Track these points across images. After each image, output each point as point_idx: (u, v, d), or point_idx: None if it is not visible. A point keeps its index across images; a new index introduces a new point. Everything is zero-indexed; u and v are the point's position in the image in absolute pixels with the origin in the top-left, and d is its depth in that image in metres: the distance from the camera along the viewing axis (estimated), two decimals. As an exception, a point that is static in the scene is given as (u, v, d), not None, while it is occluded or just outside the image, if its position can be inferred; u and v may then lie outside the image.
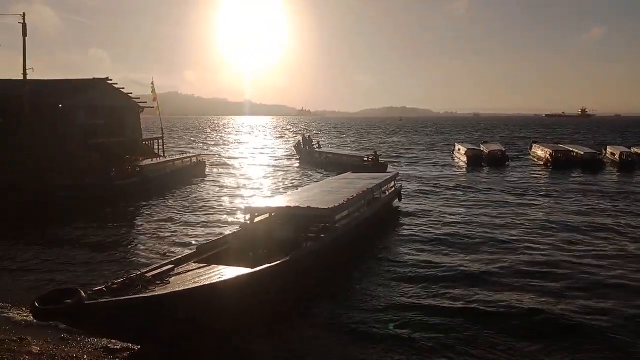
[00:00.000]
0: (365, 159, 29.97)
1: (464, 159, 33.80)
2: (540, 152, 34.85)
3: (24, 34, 21.87)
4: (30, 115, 21.77)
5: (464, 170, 30.54)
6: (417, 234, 13.90)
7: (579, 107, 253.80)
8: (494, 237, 13.43)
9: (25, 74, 22.06)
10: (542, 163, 32.51)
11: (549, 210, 17.33)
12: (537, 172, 28.83)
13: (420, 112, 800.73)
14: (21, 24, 21.77)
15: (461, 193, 21.12)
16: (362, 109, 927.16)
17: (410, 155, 41.50)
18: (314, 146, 35.67)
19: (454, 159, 37.26)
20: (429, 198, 19.88)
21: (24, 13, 22.07)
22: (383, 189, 16.60)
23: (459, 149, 37.29)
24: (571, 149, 33.47)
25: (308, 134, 41.48)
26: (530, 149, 38.87)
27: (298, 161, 35.00)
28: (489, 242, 12.89)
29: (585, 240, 13.09)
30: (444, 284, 9.84)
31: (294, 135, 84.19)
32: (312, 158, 33.65)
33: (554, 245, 12.63)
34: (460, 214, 16.53)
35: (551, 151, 32.28)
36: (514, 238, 13.32)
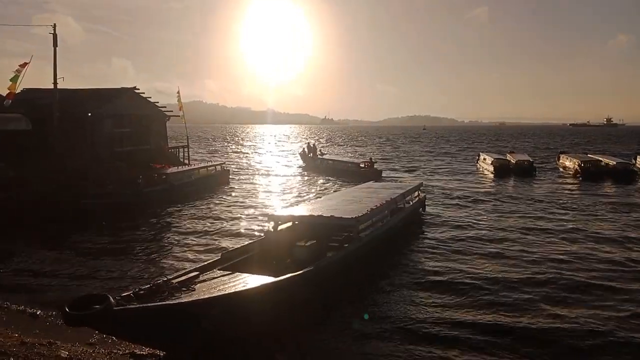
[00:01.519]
0: (362, 165, 31.98)
1: (490, 168, 33.33)
2: (568, 162, 34.14)
3: (55, 44, 22.57)
4: (59, 124, 22.40)
5: (490, 180, 30.11)
6: (441, 244, 13.76)
7: (605, 116, 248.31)
8: (521, 249, 13.16)
9: (55, 83, 22.73)
10: (570, 174, 31.85)
11: (580, 223, 16.81)
12: (566, 183, 28.22)
13: (444, 120, 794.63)
14: (52, 34, 22.47)
15: (487, 203, 20.82)
16: (385, 118, 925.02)
17: (434, 164, 41.18)
18: (317, 154, 37.95)
19: (478, 169, 36.77)
20: (454, 208, 19.64)
21: (54, 24, 22.81)
22: (407, 198, 16.52)
23: (485, 159, 36.80)
24: (601, 159, 32.69)
25: (313, 143, 43.54)
26: (558, 159, 38.12)
27: (303, 167, 37.20)
28: (515, 255, 12.64)
29: (621, 257, 12.44)
30: (468, 295, 9.72)
31: (317, 143, 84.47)
32: (315, 164, 36.16)
33: (585, 259, 12.26)
34: (486, 225, 16.30)
35: (579, 161, 31.59)
36: (542, 251, 13.03)
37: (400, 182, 26.07)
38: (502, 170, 31.84)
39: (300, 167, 38.44)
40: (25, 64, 21.57)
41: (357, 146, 74.89)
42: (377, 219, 12.97)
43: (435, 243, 13.87)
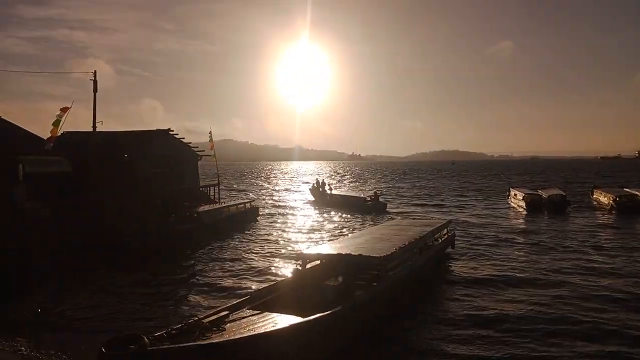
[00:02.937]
0: (368, 199, 34.79)
1: (522, 204, 32.77)
2: (603, 197, 33.26)
3: (95, 90, 23.71)
4: (99, 166, 23.30)
5: (522, 216, 29.56)
6: (471, 283, 13.53)
7: (637, 148, 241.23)
8: (557, 290, 12.62)
9: (94, 126, 23.77)
10: (605, 208, 30.96)
11: (620, 262, 16.13)
12: (601, 219, 27.44)
13: (473, 155, 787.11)
14: (92, 80, 23.66)
15: (519, 240, 20.39)
16: (413, 153, 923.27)
17: (463, 200, 40.73)
18: (326, 189, 40.25)
19: (509, 204, 36.18)
20: (484, 246, 19.29)
21: (95, 71, 24.01)
22: (436, 236, 16.40)
23: (515, 194, 36.22)
24: (637, 193, 31.74)
25: (321, 179, 45.50)
26: (592, 193, 37.19)
27: (312, 202, 39.35)
28: (550, 296, 12.18)
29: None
30: (499, 336, 9.51)
31: (339, 179, 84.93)
32: (324, 199, 38.59)
33: (625, 305, 11.52)
34: (518, 264, 15.86)
35: (615, 196, 30.75)
36: (579, 293, 12.39)
37: (430, 218, 25.90)
38: (534, 206, 31.24)
39: (309, 202, 40.33)
40: (67, 108, 22.64)
41: (382, 182, 74.82)
42: (406, 258, 12.90)
43: (464, 283, 13.64)
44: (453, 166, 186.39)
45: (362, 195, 38.61)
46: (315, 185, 42.02)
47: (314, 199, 40.56)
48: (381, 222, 26.32)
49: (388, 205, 35.49)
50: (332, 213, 32.28)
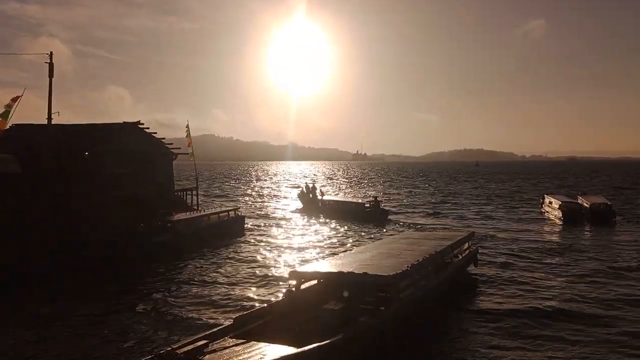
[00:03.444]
0: (367, 205, 35.89)
1: (557, 213, 32.85)
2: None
3: (51, 75, 23.67)
4: (53, 166, 23.24)
5: (558, 228, 29.63)
6: (496, 309, 13.51)
7: None
8: (607, 332, 11.84)
9: (50, 118, 23.73)
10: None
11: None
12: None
13: (501, 155, 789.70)
14: (47, 64, 23.64)
15: (554, 258, 20.34)
16: (429, 152, 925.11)
17: (487, 208, 40.82)
18: (317, 194, 41.00)
19: (543, 214, 36.25)
20: (513, 264, 19.24)
21: (51, 52, 24.00)
22: (455, 251, 16.42)
23: (550, 202, 36.32)
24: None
25: (311, 183, 46.67)
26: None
27: (301, 210, 40.18)
28: (592, 329, 11.79)
29: None
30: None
31: (347, 183, 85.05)
32: (314, 206, 39.26)
33: None
34: (553, 287, 15.67)
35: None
36: (628, 327, 12.00)
37: (448, 230, 25.92)
38: (572, 216, 31.31)
39: (298, 209, 40.80)
40: (17, 97, 22.59)
41: (389, 185, 74.93)
42: (420, 277, 12.91)
43: (487, 313, 13.45)
44: (476, 168, 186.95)
45: (359, 201, 40.00)
46: (304, 190, 43.03)
47: (302, 205, 41.72)
48: (387, 234, 26.43)
49: (395, 214, 35.98)
50: (326, 222, 33.03)
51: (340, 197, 48.39)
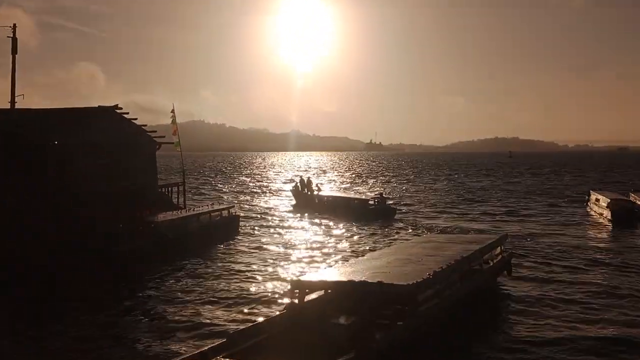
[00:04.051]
0: (371, 201, 37.36)
1: (606, 213, 32.72)
2: None
3: (14, 51, 23.74)
4: (13, 158, 23.12)
5: (606, 230, 29.51)
6: (534, 326, 13.41)
7: None
8: None
9: (13, 102, 23.84)
10: None
11: None
12: None
13: (539, 145, 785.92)
14: (10, 38, 23.66)
15: (603, 267, 20.20)
16: (456, 141, 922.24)
17: (523, 206, 40.76)
18: (314, 189, 42.22)
19: (589, 213, 36.16)
20: (554, 273, 19.11)
21: (14, 25, 24.05)
22: (485, 257, 16.41)
23: (597, 200, 36.19)
24: None
25: (307, 176, 48.15)
26: None
27: (295, 206, 41.58)
28: None
29: None
30: None
31: (354, 178, 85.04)
32: (311, 202, 40.63)
33: None
34: (605, 307, 15.02)
35: None
36: None
37: (476, 232, 25.90)
38: (623, 216, 31.17)
39: (291, 206, 42.25)
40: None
41: (404, 181, 74.87)
42: (443, 287, 12.92)
43: (524, 324, 13.45)
44: (510, 159, 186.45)
45: (362, 197, 41.90)
46: (298, 185, 44.03)
47: (296, 202, 42.94)
48: (395, 234, 26.46)
49: (410, 213, 36.46)
50: (324, 221, 33.76)
51: (340, 193, 50.17)
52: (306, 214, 36.93)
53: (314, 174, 54.88)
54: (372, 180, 79.22)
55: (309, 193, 42.06)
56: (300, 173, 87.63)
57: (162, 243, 22.38)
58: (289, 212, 39.59)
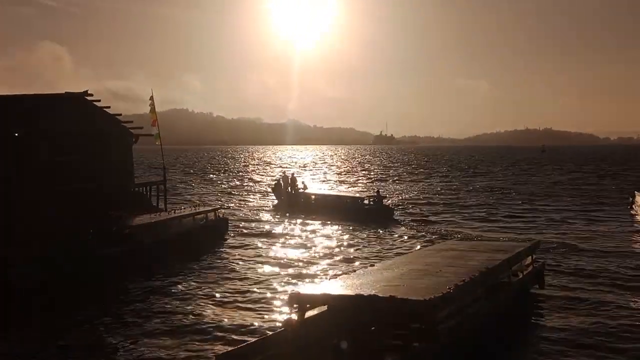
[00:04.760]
0: (366, 201, 38.38)
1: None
2: None
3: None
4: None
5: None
6: (571, 347, 13.42)
7: None
8: None
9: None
10: None
11: None
12: None
13: (576, 138, 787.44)
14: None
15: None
16: (478, 133, 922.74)
17: (556, 209, 40.73)
18: (299, 187, 43.30)
19: (634, 217, 36.15)
20: (595, 287, 19.03)
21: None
22: (514, 268, 16.38)
23: (643, 202, 36.22)
24: None
25: (291, 173, 48.68)
26: None
27: (277, 206, 43.27)
28: None
29: None
30: None
31: (356, 174, 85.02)
32: (296, 201, 41.72)
33: None
34: None
35: None
36: None
37: (503, 239, 25.81)
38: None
39: (274, 206, 43.78)
40: None
41: (413, 179, 74.86)
42: (466, 302, 12.90)
43: (559, 344, 13.46)
44: (543, 155, 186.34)
45: (355, 195, 42.85)
46: (280, 181, 45.05)
47: (277, 201, 44.50)
48: (397, 238, 26.48)
49: (426, 215, 36.92)
50: (315, 222, 34.51)
51: (330, 191, 52.44)
52: (292, 215, 37.56)
53: (311, 171, 54.94)
54: (382, 178, 79.06)
55: (293, 191, 42.78)
56: (304, 172, 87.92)
57: (139, 249, 22.34)
58: (272, 213, 40.57)
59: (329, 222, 33.78)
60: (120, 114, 30.22)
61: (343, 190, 56.77)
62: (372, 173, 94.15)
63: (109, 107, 29.12)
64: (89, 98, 27.88)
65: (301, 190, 42.65)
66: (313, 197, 41.79)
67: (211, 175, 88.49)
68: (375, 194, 39.25)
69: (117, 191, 28.70)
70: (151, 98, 31.76)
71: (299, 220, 35.48)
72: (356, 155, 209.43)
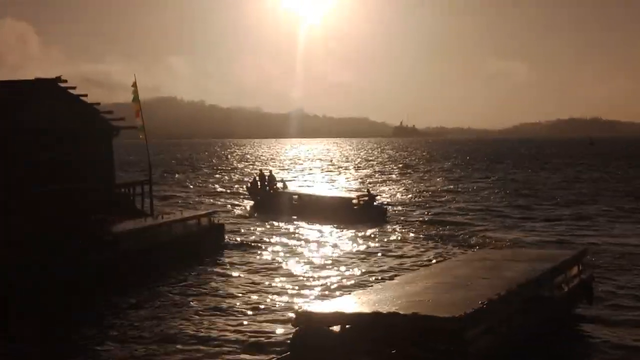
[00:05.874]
0: (355, 200, 39.58)
1: None
2: None
3: None
4: None
5: None
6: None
7: None
8: None
9: None
10: None
11: None
12: None
13: (630, 128, 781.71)
14: None
15: None
16: (515, 123, 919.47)
17: (607, 213, 40.55)
18: (277, 186, 45.00)
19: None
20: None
21: None
22: (557, 280, 16.39)
23: None
24: None
25: (268, 170, 50.09)
26: None
27: (253, 206, 45.09)
28: None
29: None
30: None
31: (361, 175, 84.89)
32: (275, 201, 43.00)
33: None
34: None
35: None
36: None
37: (543, 247, 25.78)
38: None
39: (251, 207, 45.36)
40: None
41: (442, 178, 74.72)
42: (501, 319, 12.93)
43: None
44: (590, 148, 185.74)
45: (345, 195, 45.09)
46: (257, 179, 46.70)
47: (253, 202, 46.22)
48: (406, 242, 26.56)
49: (430, 217, 37.79)
50: (302, 225, 35.66)
51: (313, 190, 53.87)
52: (271, 218, 38.26)
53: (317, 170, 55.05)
54: (399, 175, 78.92)
55: (271, 191, 44.24)
56: (304, 170, 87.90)
57: (121, 259, 22.43)
58: (248, 216, 41.73)
59: (315, 225, 34.95)
60: (99, 103, 30.20)
61: (331, 189, 59.20)
62: (404, 171, 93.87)
63: (85, 95, 29.12)
64: (61, 85, 27.85)
65: (280, 190, 43.94)
66: (295, 197, 42.97)
67: (177, 175, 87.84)
68: (366, 192, 40.86)
69: (95, 192, 28.71)
70: (134, 84, 31.71)
71: (281, 224, 36.19)
72: (374, 149, 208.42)
